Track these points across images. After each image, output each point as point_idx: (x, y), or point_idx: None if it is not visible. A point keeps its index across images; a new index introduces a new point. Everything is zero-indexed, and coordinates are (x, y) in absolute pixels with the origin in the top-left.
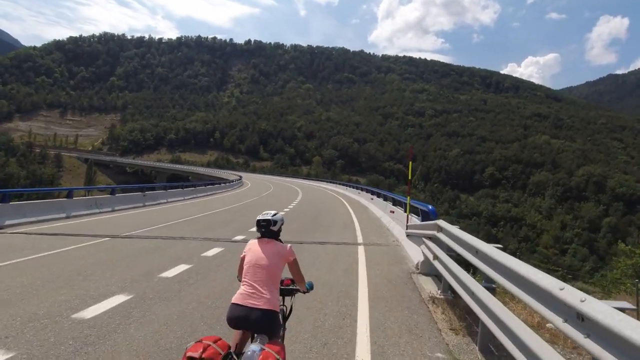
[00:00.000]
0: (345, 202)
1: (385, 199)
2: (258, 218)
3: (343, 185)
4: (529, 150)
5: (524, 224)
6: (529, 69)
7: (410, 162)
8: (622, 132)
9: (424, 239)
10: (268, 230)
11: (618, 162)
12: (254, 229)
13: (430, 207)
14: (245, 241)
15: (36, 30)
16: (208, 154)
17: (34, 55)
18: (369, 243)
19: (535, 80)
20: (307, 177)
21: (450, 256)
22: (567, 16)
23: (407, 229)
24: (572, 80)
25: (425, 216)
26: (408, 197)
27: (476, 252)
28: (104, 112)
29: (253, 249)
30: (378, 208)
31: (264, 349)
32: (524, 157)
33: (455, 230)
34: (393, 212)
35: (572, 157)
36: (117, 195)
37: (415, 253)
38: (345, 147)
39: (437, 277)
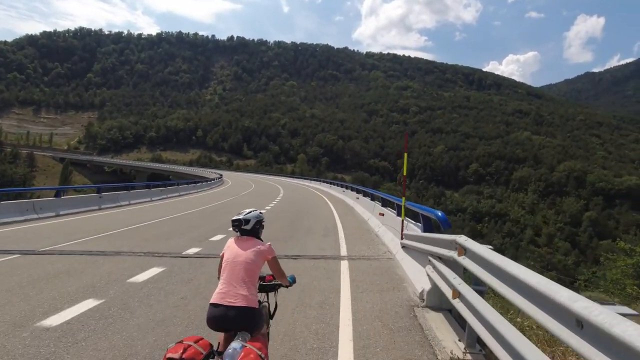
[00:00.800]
0: (328, 202)
1: (373, 198)
2: (232, 218)
3: (327, 183)
4: (512, 147)
5: (507, 219)
6: (509, 66)
7: (406, 155)
8: (599, 128)
9: (432, 259)
10: (241, 229)
11: (597, 158)
12: (218, 237)
13: (439, 213)
14: (198, 256)
15: (8, 24)
16: (190, 152)
17: (5, 50)
18: (355, 256)
19: (516, 77)
20: (292, 174)
21: (480, 291)
22: (545, 15)
23: (402, 239)
24: (551, 78)
25: (427, 224)
26: (403, 199)
27: (579, 326)
28: (80, 110)
29: (231, 247)
30: (364, 208)
31: (246, 346)
32: (507, 153)
33: (498, 258)
34: (382, 214)
35: (552, 153)
36: (64, 197)
37: (416, 273)
38: (330, 144)
39: (451, 311)
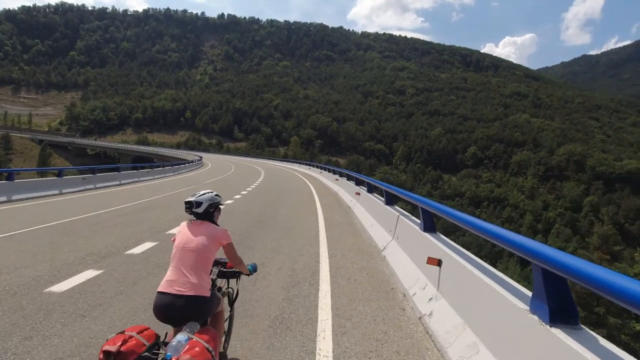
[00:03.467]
0: (315, 197)
1: (390, 201)
2: (185, 200)
3: (318, 168)
4: (510, 129)
5: (507, 204)
6: (506, 49)
7: None
8: (597, 111)
9: None
10: (192, 212)
11: (596, 141)
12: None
13: None
14: None
15: None
16: (178, 134)
17: None
18: None
19: (513, 60)
20: (285, 158)
21: None
22: None
23: None
24: (547, 61)
25: None
26: None
27: None
28: (63, 90)
29: (183, 232)
30: (373, 218)
31: (192, 338)
32: (505, 136)
33: None
34: (440, 263)
35: (552, 136)
36: None
37: None
38: (324, 126)
39: None
